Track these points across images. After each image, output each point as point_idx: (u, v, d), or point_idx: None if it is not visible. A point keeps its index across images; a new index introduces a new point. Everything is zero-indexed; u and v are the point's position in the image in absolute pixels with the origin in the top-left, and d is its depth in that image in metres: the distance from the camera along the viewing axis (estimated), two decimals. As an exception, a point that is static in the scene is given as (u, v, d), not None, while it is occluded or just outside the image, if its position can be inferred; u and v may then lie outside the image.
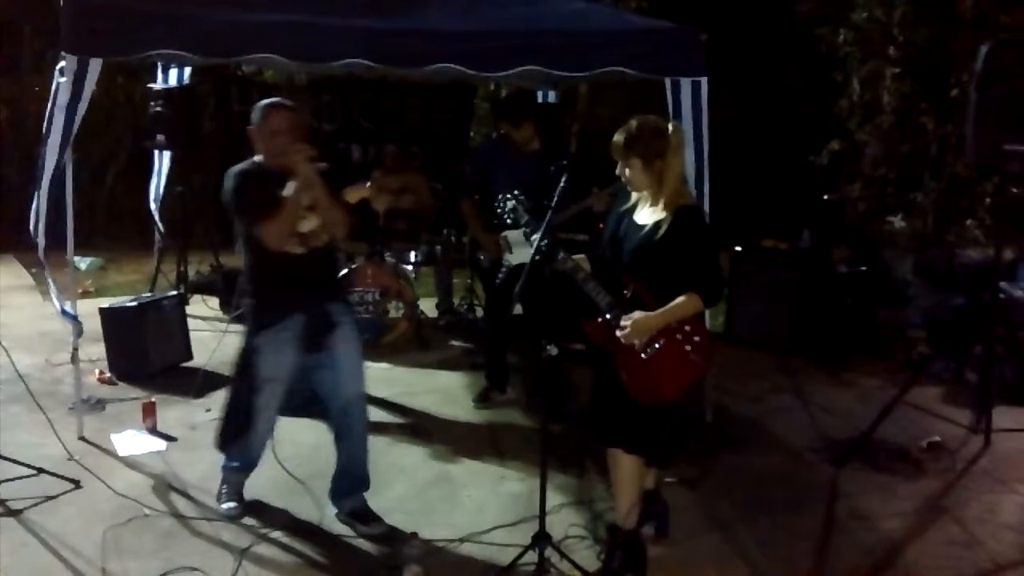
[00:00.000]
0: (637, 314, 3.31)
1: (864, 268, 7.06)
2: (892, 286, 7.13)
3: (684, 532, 4.00)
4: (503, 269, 5.23)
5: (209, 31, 4.50)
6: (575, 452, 4.83)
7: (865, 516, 4.26)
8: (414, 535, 3.48)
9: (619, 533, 3.59)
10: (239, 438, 4.04)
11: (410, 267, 7.21)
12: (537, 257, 3.40)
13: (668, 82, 5.00)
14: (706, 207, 5.14)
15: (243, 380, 3.93)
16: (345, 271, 6.64)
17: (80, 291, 9.04)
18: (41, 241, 4.65)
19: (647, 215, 3.42)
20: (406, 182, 7.57)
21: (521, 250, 5.08)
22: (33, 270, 8.87)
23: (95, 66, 4.46)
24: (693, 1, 8.52)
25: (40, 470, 4.28)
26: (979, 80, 4.59)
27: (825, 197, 7.62)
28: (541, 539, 3.50)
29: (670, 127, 3.39)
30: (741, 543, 3.95)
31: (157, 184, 7.69)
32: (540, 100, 7.66)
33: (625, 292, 3.40)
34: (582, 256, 3.54)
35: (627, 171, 3.42)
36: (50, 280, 4.78)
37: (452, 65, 4.76)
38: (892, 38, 8.46)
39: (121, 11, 4.47)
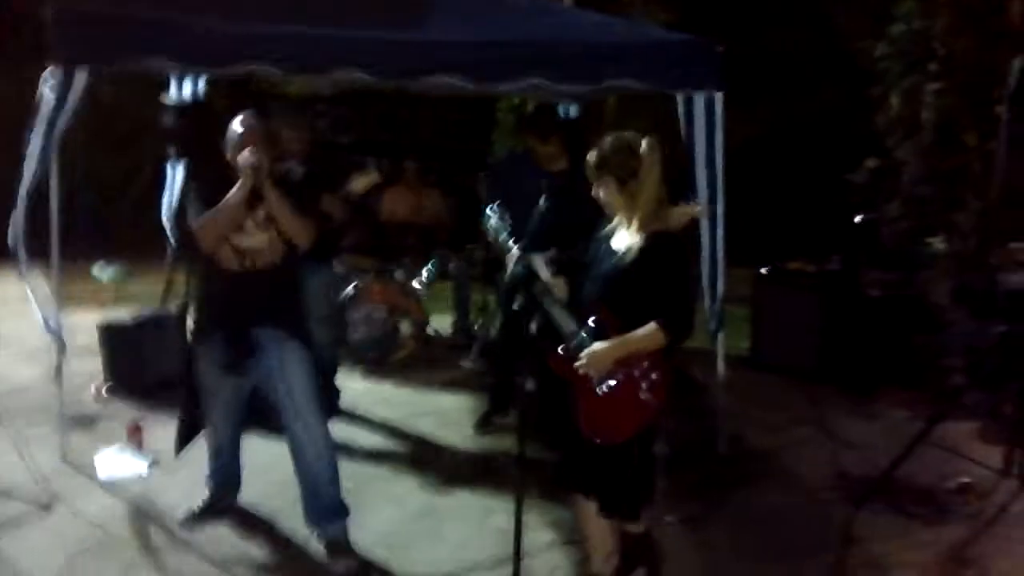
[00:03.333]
0: (596, 344, 3.08)
1: (897, 292, 6.70)
2: (927, 311, 6.75)
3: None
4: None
5: (197, 40, 4.34)
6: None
7: (880, 564, 3.94)
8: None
9: None
10: (190, 438, 4.17)
11: (420, 284, 6.99)
12: (510, 282, 3.19)
13: (680, 98, 4.75)
14: (720, 228, 4.88)
15: (186, 382, 4.03)
16: (352, 287, 6.48)
17: (98, 302, 9.03)
18: (22, 254, 4.50)
19: (622, 239, 3.19)
20: (425, 199, 7.40)
21: (543, 272, 4.84)
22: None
23: (81, 76, 4.34)
24: (725, 16, 8.24)
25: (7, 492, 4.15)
26: (1011, 97, 4.26)
27: (857, 219, 7.25)
28: (515, 585, 3.26)
29: (643, 144, 3.14)
30: (740, 592, 3.67)
31: (170, 197, 7.57)
32: (561, 115, 7.43)
33: (590, 321, 3.16)
34: (560, 280, 3.32)
35: (601, 192, 3.20)
36: (31, 294, 4.60)
37: (450, 79, 4.56)
38: (932, 51, 8.09)
39: (107, 19, 4.32)
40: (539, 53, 4.60)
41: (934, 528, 4.30)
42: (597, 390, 3.08)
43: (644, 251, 3.05)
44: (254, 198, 3.62)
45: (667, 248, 3.09)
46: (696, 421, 5.47)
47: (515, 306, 3.25)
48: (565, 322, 3.17)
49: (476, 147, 8.46)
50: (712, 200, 4.83)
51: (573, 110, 7.44)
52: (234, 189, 3.56)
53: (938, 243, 8.06)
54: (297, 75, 5.09)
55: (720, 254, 4.91)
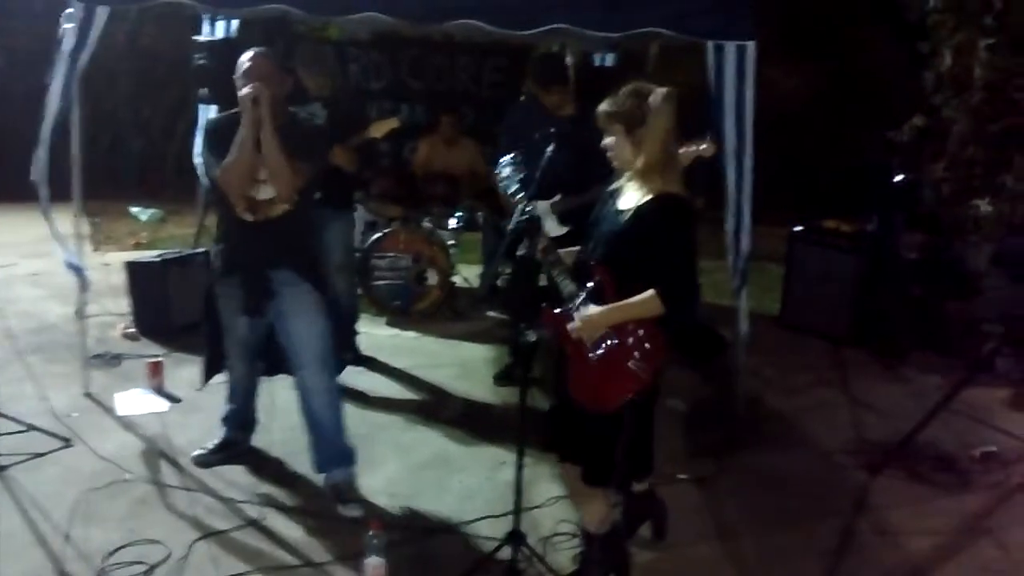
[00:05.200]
0: (591, 308, 2.96)
1: (934, 255, 6.52)
2: (964, 276, 6.56)
3: (684, 538, 3.67)
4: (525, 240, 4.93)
5: (216, -21, 4.30)
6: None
7: (892, 531, 3.86)
8: (376, 525, 3.24)
9: (592, 539, 3.28)
10: (215, 372, 4.18)
11: (448, 233, 6.93)
12: (514, 230, 3.15)
13: (710, 46, 4.61)
14: (748, 184, 4.75)
15: (208, 319, 4.03)
16: (378, 235, 6.47)
17: (133, 242, 9.15)
18: (43, 191, 4.52)
19: (628, 199, 3.03)
20: (460, 148, 7.32)
21: (547, 222, 4.78)
22: (96, 219, 8.95)
23: (101, 13, 4.35)
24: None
25: (31, 427, 4.22)
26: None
27: (897, 179, 7.05)
28: (514, 538, 3.24)
29: (656, 92, 2.94)
30: (744, 555, 3.61)
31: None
32: (597, 64, 7.31)
33: (588, 283, 3.03)
34: (575, 249, 3.23)
35: (609, 140, 3.03)
36: (54, 233, 4.60)
37: (475, 22, 4.46)
38: (988, 5, 7.76)
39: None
40: (564, -3, 4.48)
41: (952, 496, 4.21)
42: (590, 355, 2.97)
43: (645, 212, 2.90)
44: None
45: (671, 211, 2.91)
46: (716, 380, 5.41)
47: (519, 254, 3.20)
48: (564, 283, 3.06)
49: (509, 95, 8.31)
50: (740, 154, 4.70)
51: (609, 59, 7.30)
52: (240, 128, 3.53)
53: (984, 206, 7.81)
54: (321, 17, 5.00)
55: (746, 210, 4.79)
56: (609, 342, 2.93)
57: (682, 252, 2.93)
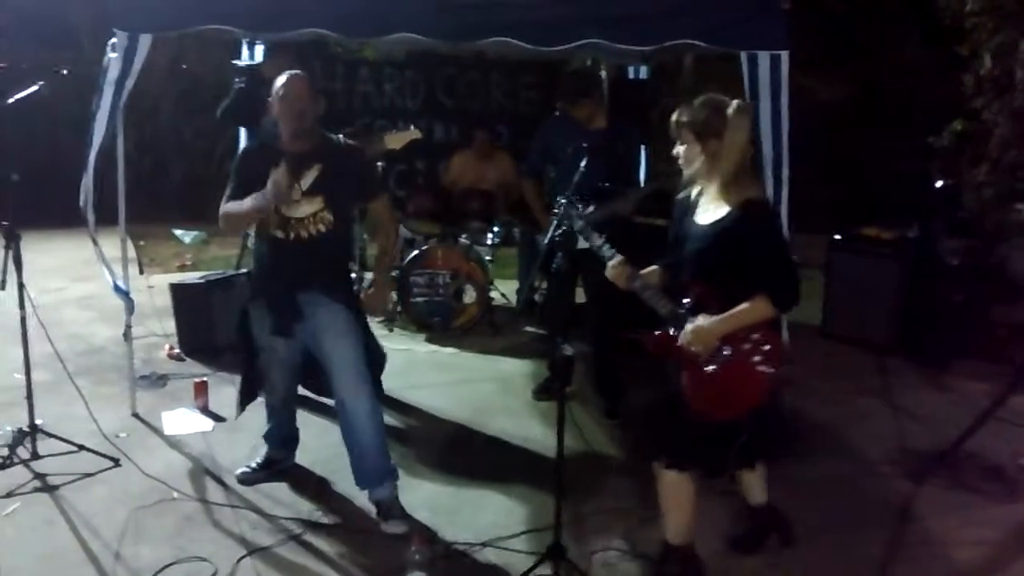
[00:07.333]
0: (699, 319, 3.02)
1: (977, 261, 6.43)
2: (1008, 281, 6.46)
3: (725, 549, 3.66)
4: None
5: (253, 5, 4.39)
6: (627, 453, 4.58)
7: (939, 542, 3.81)
8: (418, 541, 3.28)
9: (672, 550, 3.36)
10: (251, 399, 4.22)
11: (485, 248, 6.97)
12: (550, 244, 3.20)
13: (744, 56, 4.60)
14: (784, 194, 4.73)
15: (244, 342, 4.08)
16: (416, 252, 6.53)
17: (178, 264, 9.32)
18: (90, 217, 4.63)
19: (709, 212, 3.10)
20: (494, 164, 7.36)
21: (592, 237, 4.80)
22: (141, 243, 9.11)
23: (144, 41, 4.45)
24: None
25: (81, 447, 4.31)
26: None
27: (938, 184, 6.98)
28: (554, 552, 3.26)
29: (733, 104, 3.02)
30: (786, 566, 3.58)
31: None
32: (631, 76, 7.32)
33: (686, 300, 3.10)
34: (654, 268, 3.29)
35: (681, 149, 3.12)
36: (100, 257, 4.72)
37: (508, 39, 4.51)
38: (1029, 5, 7.66)
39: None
40: (594, 12, 4.49)
41: (999, 506, 4.15)
42: (707, 368, 3.03)
43: (735, 223, 2.97)
44: (299, 166, 3.66)
45: (759, 217, 3.01)
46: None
47: (553, 267, 3.26)
48: (659, 303, 3.13)
49: (544, 111, 8.35)
50: (777, 164, 4.68)
51: (643, 71, 7.31)
52: (254, 200, 3.61)
53: (1027, 210, 7.69)
54: (352, 39, 5.07)
55: (784, 219, 4.77)
56: (725, 351, 3.00)
57: (779, 252, 3.03)
